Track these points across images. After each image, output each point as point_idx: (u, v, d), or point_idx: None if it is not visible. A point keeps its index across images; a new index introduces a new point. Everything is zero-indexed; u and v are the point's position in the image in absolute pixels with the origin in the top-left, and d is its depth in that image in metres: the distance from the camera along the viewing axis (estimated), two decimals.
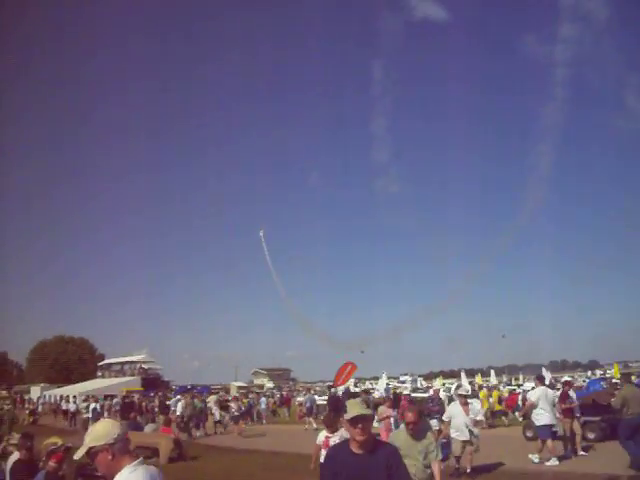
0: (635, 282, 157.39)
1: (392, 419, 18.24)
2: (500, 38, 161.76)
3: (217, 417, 30.83)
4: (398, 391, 45.29)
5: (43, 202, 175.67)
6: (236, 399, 35.51)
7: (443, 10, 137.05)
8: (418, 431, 7.32)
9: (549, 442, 15.25)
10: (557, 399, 16.93)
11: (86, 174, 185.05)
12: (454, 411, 13.97)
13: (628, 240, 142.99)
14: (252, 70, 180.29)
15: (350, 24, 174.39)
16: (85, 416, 31.91)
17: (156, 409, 34.99)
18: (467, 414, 13.77)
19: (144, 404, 37.42)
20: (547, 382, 46.29)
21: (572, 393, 17.81)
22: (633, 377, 31.31)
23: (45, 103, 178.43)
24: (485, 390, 36.90)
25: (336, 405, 26.75)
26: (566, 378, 32.14)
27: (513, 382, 65.35)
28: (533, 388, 18.81)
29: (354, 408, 4.39)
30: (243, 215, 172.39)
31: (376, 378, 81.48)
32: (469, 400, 14.84)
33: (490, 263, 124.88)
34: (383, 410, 17.30)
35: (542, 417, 15.42)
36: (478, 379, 70.52)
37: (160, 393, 51.92)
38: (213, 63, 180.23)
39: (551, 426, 15.59)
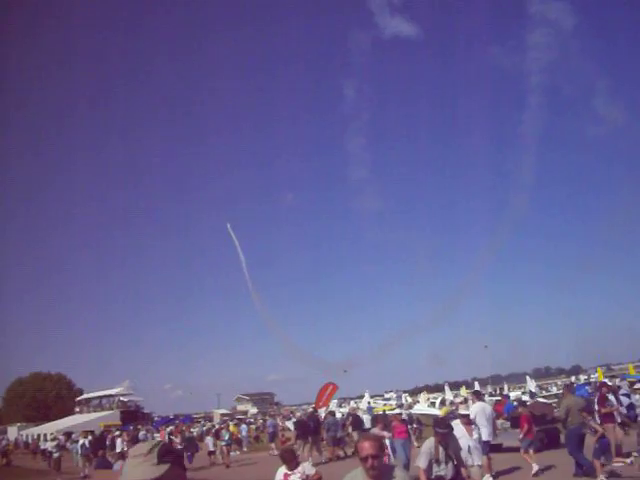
0: (615, 285, 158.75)
1: (387, 441, 16.22)
2: (470, 51, 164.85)
3: (210, 447, 29.76)
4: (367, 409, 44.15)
5: (23, 235, 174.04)
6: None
7: (413, 26, 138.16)
8: (382, 473, 4.74)
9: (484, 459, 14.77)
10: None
11: (64, 207, 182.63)
12: (456, 433, 11.07)
13: (608, 244, 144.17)
14: (225, 89, 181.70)
15: (320, 43, 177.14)
16: (56, 455, 30.55)
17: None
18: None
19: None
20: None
21: (611, 396, 17.55)
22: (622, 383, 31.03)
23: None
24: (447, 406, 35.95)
25: (304, 430, 26.09)
26: (607, 381, 31.23)
27: (497, 392, 64.96)
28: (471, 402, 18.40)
29: (129, 469, 2.22)
30: (220, 240, 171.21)
31: (362, 397, 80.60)
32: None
33: (475, 276, 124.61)
34: (375, 433, 15.92)
35: (480, 433, 15.02)
36: (463, 391, 70.05)
37: (139, 426, 50.51)
38: (190, 84, 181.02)
39: (488, 442, 15.26)
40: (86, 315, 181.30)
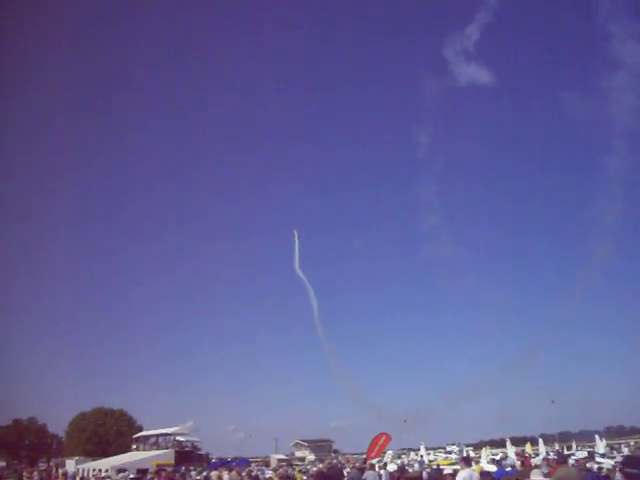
0: None
1: None
2: (547, 97, 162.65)
3: None
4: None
5: (79, 269, 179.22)
6: None
7: (489, 73, 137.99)
8: None
9: None
10: None
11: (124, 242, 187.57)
12: None
13: None
14: (295, 133, 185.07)
15: (393, 90, 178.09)
16: None
17: None
18: None
19: None
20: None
21: None
22: None
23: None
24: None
25: None
26: None
27: (565, 450, 61.65)
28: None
29: None
30: (286, 282, 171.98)
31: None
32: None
33: (550, 330, 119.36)
34: None
35: None
36: (528, 448, 66.76)
37: (187, 467, 49.88)
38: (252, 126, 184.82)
39: None
40: (157, 354, 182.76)
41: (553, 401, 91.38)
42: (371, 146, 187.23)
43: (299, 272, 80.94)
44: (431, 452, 77.08)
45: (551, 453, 53.15)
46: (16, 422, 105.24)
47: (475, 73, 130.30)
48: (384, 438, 40.54)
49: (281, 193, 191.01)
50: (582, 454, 48.57)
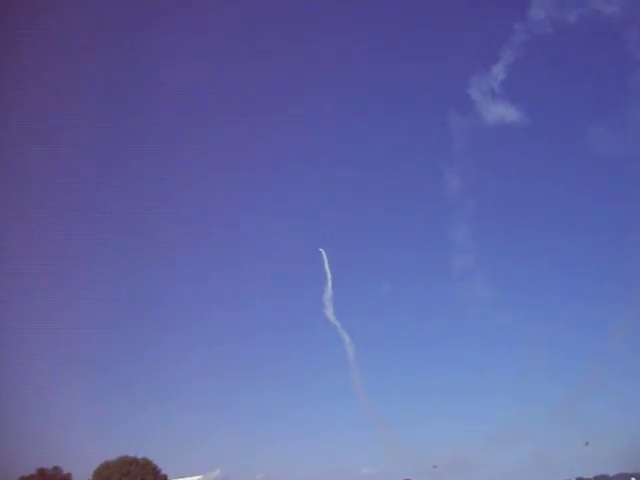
0: None
1: None
2: (576, 132, 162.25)
3: None
4: None
5: (107, 314, 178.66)
6: None
7: (516, 111, 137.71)
8: None
9: None
10: None
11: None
12: None
13: None
14: (326, 174, 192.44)
15: (421, 131, 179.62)
16: None
17: None
18: None
19: None
20: None
21: None
22: None
23: None
24: None
25: None
26: None
27: None
28: None
29: None
30: (315, 329, 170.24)
31: None
32: None
33: (598, 370, 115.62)
34: None
35: None
36: None
37: None
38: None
39: None
40: (184, 401, 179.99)
41: (587, 443, 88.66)
42: (401, 186, 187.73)
43: (332, 318, 79.85)
44: None
45: None
46: (41, 471, 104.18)
47: (502, 112, 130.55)
48: None
49: (310, 235, 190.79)
50: None
